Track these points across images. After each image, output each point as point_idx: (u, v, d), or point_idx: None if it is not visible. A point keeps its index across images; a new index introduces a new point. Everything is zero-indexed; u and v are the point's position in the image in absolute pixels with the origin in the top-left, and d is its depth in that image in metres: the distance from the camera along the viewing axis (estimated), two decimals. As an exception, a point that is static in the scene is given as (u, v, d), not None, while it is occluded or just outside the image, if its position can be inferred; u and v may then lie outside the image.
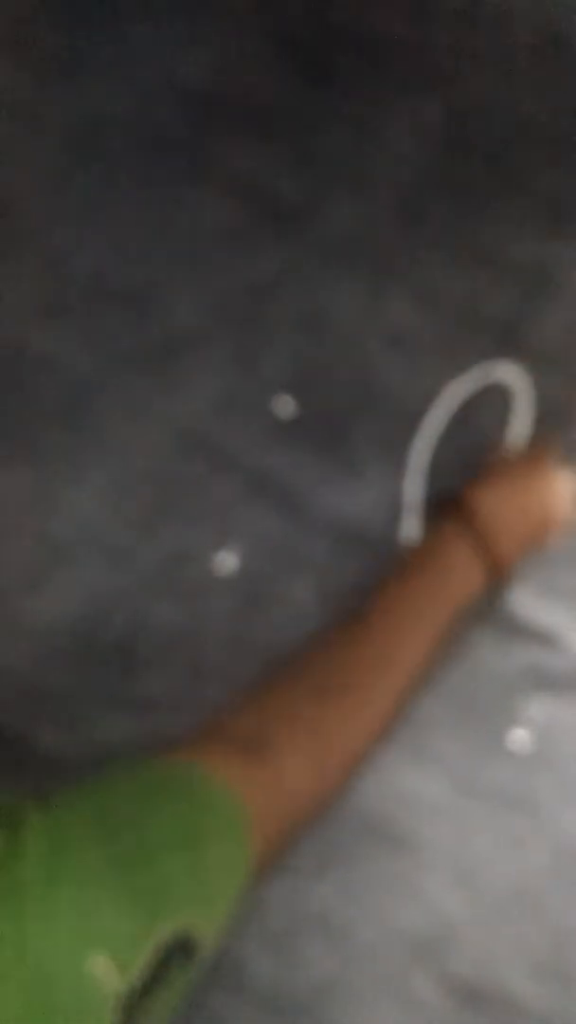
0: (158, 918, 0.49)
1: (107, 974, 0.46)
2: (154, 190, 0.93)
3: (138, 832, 0.51)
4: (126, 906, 0.48)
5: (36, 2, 0.96)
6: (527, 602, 0.84)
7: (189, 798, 0.55)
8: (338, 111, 0.94)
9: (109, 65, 0.96)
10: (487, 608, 0.83)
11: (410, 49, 0.96)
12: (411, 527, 0.86)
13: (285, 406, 0.89)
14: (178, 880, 0.51)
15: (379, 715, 0.69)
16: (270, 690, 0.67)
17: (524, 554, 0.80)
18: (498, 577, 0.77)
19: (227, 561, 0.86)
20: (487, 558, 0.76)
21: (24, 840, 0.48)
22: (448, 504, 0.80)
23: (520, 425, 0.87)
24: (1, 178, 0.93)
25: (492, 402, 0.88)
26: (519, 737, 0.83)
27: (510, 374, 0.88)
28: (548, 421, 0.87)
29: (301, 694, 0.67)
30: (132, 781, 0.55)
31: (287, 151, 0.93)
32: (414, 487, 0.87)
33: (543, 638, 0.85)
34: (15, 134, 0.94)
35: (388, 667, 0.70)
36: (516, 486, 0.80)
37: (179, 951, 0.49)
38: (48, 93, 0.95)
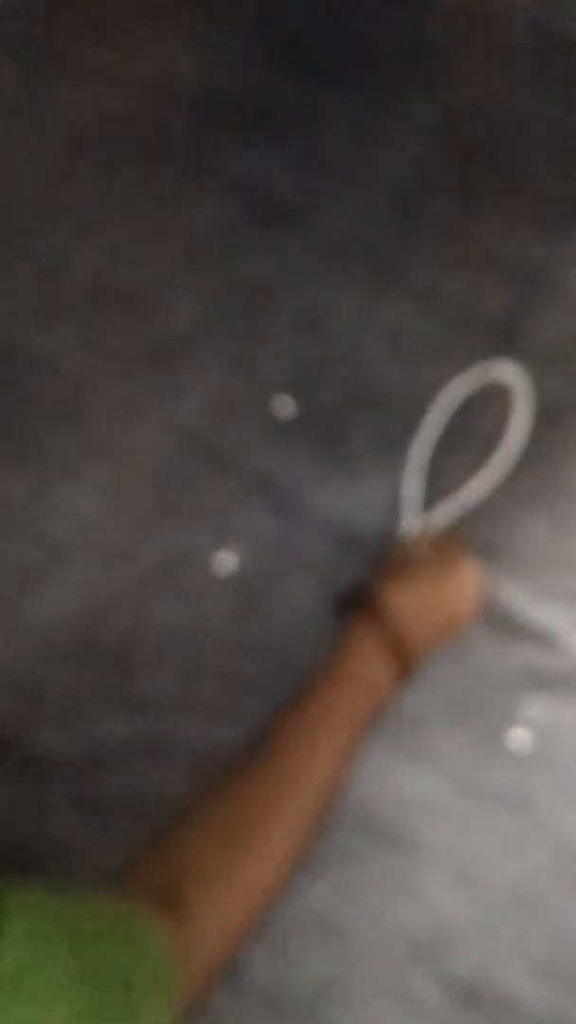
0: None
1: None
2: (153, 190, 0.93)
3: (104, 961, 0.52)
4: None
5: (36, 2, 0.96)
6: (527, 602, 0.84)
7: (130, 942, 0.55)
8: (338, 111, 0.94)
9: (109, 65, 0.96)
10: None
11: (410, 49, 0.96)
12: (410, 526, 0.86)
13: (284, 406, 0.89)
14: (122, 1019, 0.51)
15: (292, 844, 0.67)
16: (177, 841, 0.65)
17: (433, 651, 0.78)
18: (406, 677, 0.75)
19: (226, 561, 0.86)
20: (397, 659, 0.74)
21: (3, 943, 0.48)
22: (356, 601, 0.78)
23: (519, 425, 0.87)
24: (1, 178, 0.93)
25: (491, 402, 0.88)
26: (519, 737, 0.83)
27: (509, 373, 0.88)
28: (547, 420, 0.87)
29: (209, 845, 0.65)
30: (90, 908, 0.55)
31: (287, 151, 0.93)
32: (413, 487, 0.87)
33: (543, 638, 0.85)
34: (15, 134, 0.94)
35: (296, 793, 0.68)
36: (425, 580, 0.78)
37: None
38: (48, 93, 0.95)
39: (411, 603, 0.76)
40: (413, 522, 0.86)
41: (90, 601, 0.86)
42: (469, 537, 0.85)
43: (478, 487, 0.86)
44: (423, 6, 0.96)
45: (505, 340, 0.89)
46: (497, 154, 0.93)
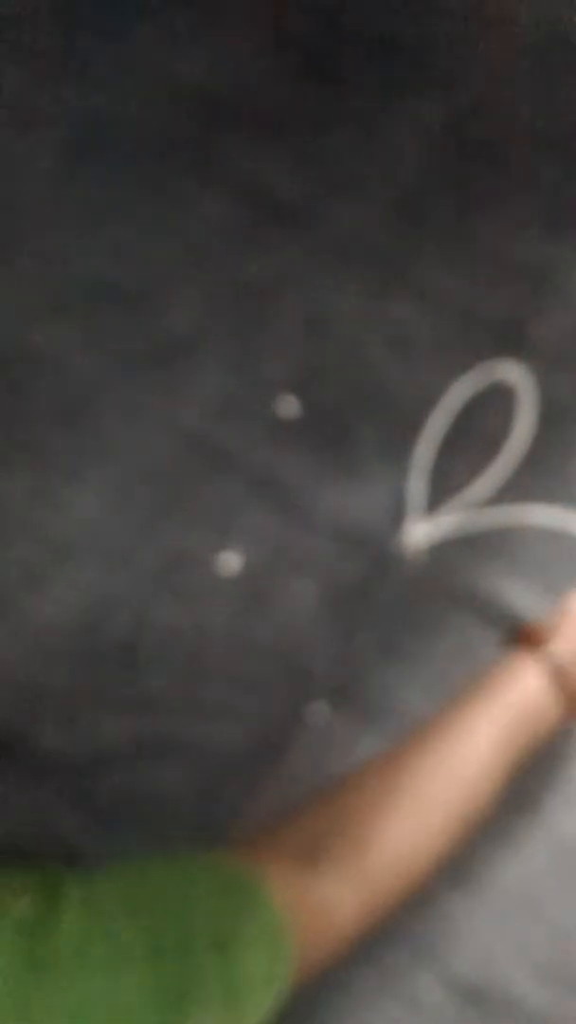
0: (185, 1015, 0.48)
1: None
2: (155, 190, 0.93)
3: (178, 926, 0.50)
4: (153, 998, 0.47)
5: (36, 2, 0.96)
6: (527, 602, 0.84)
7: (234, 902, 0.54)
8: (339, 111, 0.94)
9: (109, 65, 0.96)
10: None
11: (410, 49, 0.96)
12: (414, 528, 0.86)
13: (288, 406, 0.89)
14: (209, 981, 0.50)
15: (434, 835, 0.66)
16: (331, 799, 0.65)
17: None
18: (571, 718, 0.74)
19: (230, 562, 0.86)
20: (565, 697, 0.73)
21: (61, 913, 0.48)
22: (524, 636, 0.77)
23: (523, 424, 0.87)
24: (1, 178, 0.93)
25: (495, 402, 0.88)
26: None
27: (513, 373, 0.88)
28: (551, 420, 0.87)
29: (361, 809, 0.64)
30: (181, 873, 0.54)
31: (288, 151, 0.93)
32: (417, 487, 0.87)
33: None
34: (15, 134, 0.94)
35: (454, 788, 0.67)
36: None
37: None
38: (48, 93, 0.95)
39: None
40: (417, 522, 0.86)
41: (92, 601, 0.86)
42: (465, 546, 0.85)
43: (482, 487, 0.86)
44: (425, 6, 0.96)
45: (508, 340, 0.89)
46: (499, 154, 0.93)
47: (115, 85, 0.95)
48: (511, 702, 0.72)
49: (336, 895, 0.60)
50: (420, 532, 0.86)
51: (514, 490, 0.86)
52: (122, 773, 0.84)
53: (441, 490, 0.87)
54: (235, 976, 0.50)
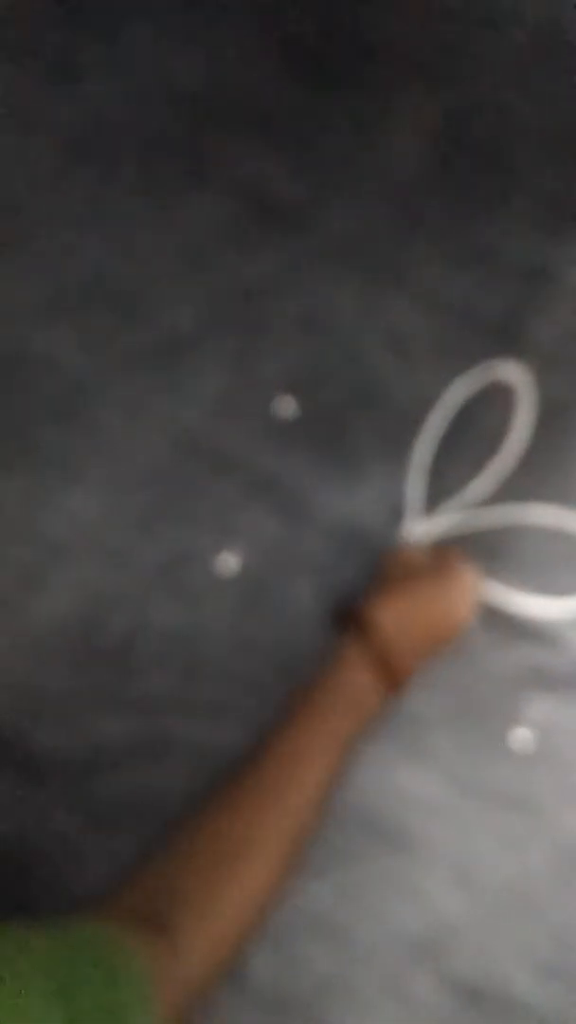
0: None
1: None
2: (153, 191, 0.93)
3: (72, 991, 0.51)
4: None
5: (36, 2, 0.96)
6: (527, 602, 0.84)
7: (115, 970, 0.55)
8: (338, 111, 0.94)
9: (109, 65, 0.96)
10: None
11: (410, 49, 0.96)
12: (413, 527, 0.86)
13: (286, 407, 0.89)
14: None
15: (279, 862, 0.67)
16: (162, 866, 0.66)
17: (425, 663, 0.77)
18: (396, 692, 0.75)
19: (227, 562, 0.86)
20: (384, 676, 0.74)
21: None
22: (347, 616, 0.77)
23: (522, 424, 0.87)
24: (1, 178, 0.93)
25: (494, 401, 0.88)
26: (521, 736, 0.83)
27: (511, 373, 0.88)
28: (550, 420, 0.87)
29: (193, 868, 0.65)
30: (72, 940, 0.55)
31: (287, 151, 0.93)
32: (416, 488, 0.87)
33: (543, 638, 0.85)
34: (15, 134, 0.94)
35: (281, 811, 0.68)
36: (413, 593, 0.77)
37: None
38: (48, 93, 0.95)
39: (397, 618, 0.75)
40: (416, 522, 0.86)
41: (90, 602, 0.86)
42: (463, 545, 0.85)
43: (481, 487, 0.86)
44: (424, 6, 0.96)
45: (507, 340, 0.89)
46: (498, 154, 0.93)
47: (115, 85, 0.95)
48: (338, 708, 0.72)
49: (187, 946, 0.61)
50: (419, 531, 0.86)
51: (513, 490, 0.86)
52: (121, 773, 0.84)
53: (440, 490, 0.87)
54: None
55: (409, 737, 0.83)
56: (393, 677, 0.74)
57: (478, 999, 0.80)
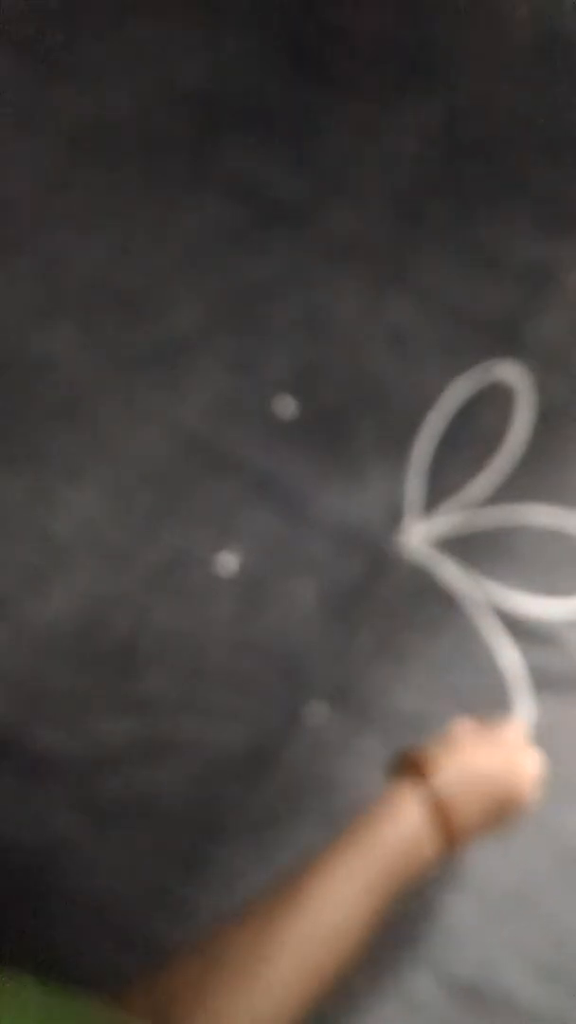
0: None
1: None
2: (154, 191, 0.93)
3: None
4: None
5: (36, 2, 0.96)
6: (526, 602, 0.84)
7: None
8: (338, 111, 0.94)
9: (109, 66, 0.96)
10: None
11: (410, 49, 0.96)
12: (412, 527, 0.86)
13: (286, 407, 0.89)
14: None
15: (302, 989, 0.63)
16: (181, 967, 0.63)
17: (480, 832, 0.73)
18: (451, 852, 0.71)
19: (228, 562, 0.86)
20: (444, 831, 0.70)
21: None
22: (408, 764, 0.73)
23: (521, 424, 0.87)
24: (1, 178, 0.93)
25: (493, 401, 0.88)
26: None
27: (511, 373, 0.88)
28: (550, 420, 0.87)
29: (212, 973, 0.62)
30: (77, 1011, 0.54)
31: (287, 151, 0.93)
32: (415, 487, 0.87)
33: (540, 638, 0.85)
34: (15, 134, 0.94)
35: (315, 939, 0.64)
36: (483, 761, 0.73)
37: None
38: (48, 93, 0.95)
39: (461, 776, 0.72)
40: (416, 522, 0.86)
41: (91, 601, 0.86)
42: (464, 545, 0.85)
43: (480, 487, 0.86)
44: (423, 6, 0.96)
45: (506, 340, 0.89)
46: (497, 154, 0.93)
47: (115, 85, 0.95)
48: (389, 844, 0.68)
49: None
50: (418, 532, 0.86)
51: (512, 490, 0.86)
52: (122, 773, 0.84)
53: (439, 490, 0.87)
54: None
55: (409, 738, 0.83)
56: (451, 834, 0.70)
57: (477, 999, 0.80)
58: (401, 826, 0.69)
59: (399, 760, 0.74)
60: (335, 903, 0.66)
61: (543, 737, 0.83)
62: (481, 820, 0.72)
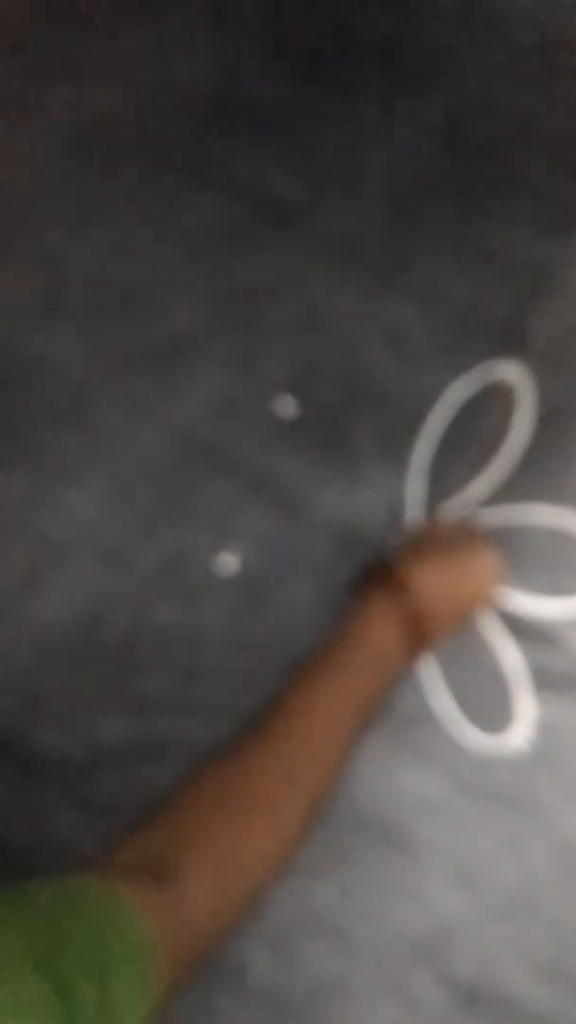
0: None
1: None
2: (153, 190, 0.93)
3: (55, 956, 0.50)
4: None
5: (36, 2, 0.96)
6: (527, 602, 0.84)
7: (101, 926, 0.53)
8: (338, 111, 0.94)
9: (109, 65, 0.96)
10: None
11: (410, 49, 0.96)
12: (413, 528, 0.86)
13: (286, 407, 0.89)
14: (87, 1008, 0.49)
15: (293, 825, 0.66)
16: (178, 807, 0.64)
17: (449, 630, 0.78)
18: (422, 651, 0.75)
19: (227, 562, 0.86)
20: (415, 632, 0.73)
21: None
22: (376, 573, 0.77)
23: (522, 424, 0.87)
24: (1, 178, 0.93)
25: (494, 401, 0.88)
26: (522, 733, 0.83)
27: (512, 373, 0.88)
28: (549, 420, 0.87)
29: (210, 813, 0.63)
30: (53, 902, 0.53)
31: (287, 151, 0.93)
32: (416, 488, 0.87)
33: (543, 638, 0.85)
34: (15, 134, 0.94)
35: (304, 760, 0.67)
36: (447, 563, 0.78)
37: None
38: (48, 93, 0.95)
39: (433, 579, 0.76)
40: (415, 523, 0.86)
41: (90, 602, 0.86)
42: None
43: (481, 487, 0.86)
44: (423, 6, 0.96)
45: (507, 340, 0.89)
46: (498, 154, 0.93)
47: (115, 85, 0.95)
48: (371, 661, 0.72)
49: (194, 893, 0.59)
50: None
51: (513, 490, 0.86)
52: (121, 773, 0.84)
53: (440, 490, 0.87)
54: (111, 1003, 0.50)
55: (409, 738, 0.83)
56: (423, 634, 0.74)
57: (477, 999, 0.80)
58: (377, 635, 0.72)
59: (370, 571, 0.76)
60: (323, 725, 0.68)
61: (544, 737, 0.83)
62: (450, 619, 0.77)
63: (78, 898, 0.54)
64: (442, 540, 0.81)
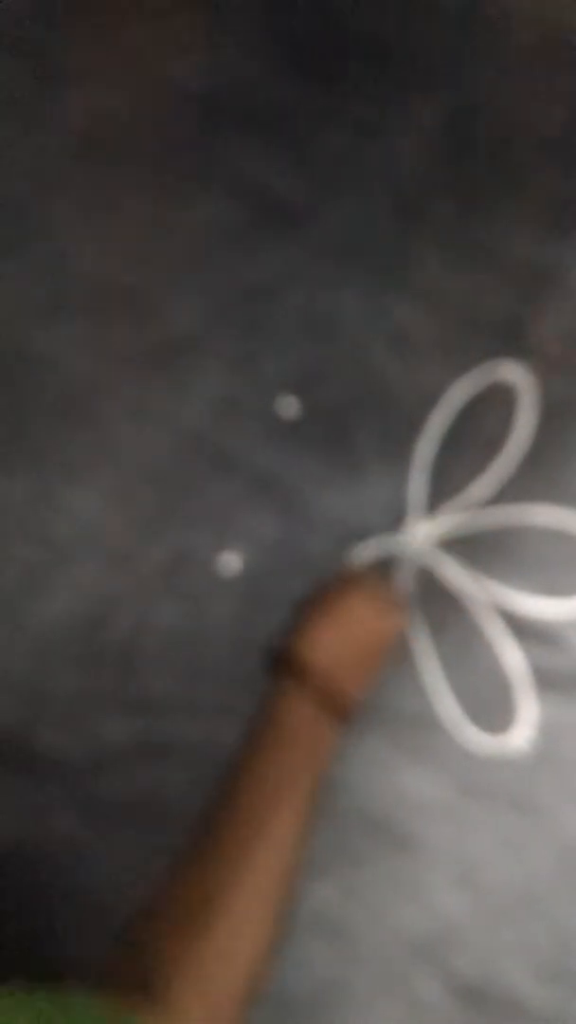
0: None
1: None
2: (155, 191, 0.93)
3: None
4: None
5: (37, 2, 0.96)
6: (528, 602, 0.84)
7: None
8: (338, 111, 0.94)
9: (110, 65, 0.95)
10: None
11: (410, 49, 0.96)
12: (414, 528, 0.86)
13: (288, 407, 0.88)
14: None
15: (261, 910, 0.66)
16: (145, 931, 0.64)
17: (369, 686, 0.76)
18: (348, 720, 0.74)
19: (229, 562, 0.86)
20: (334, 710, 0.72)
21: None
22: (278, 659, 0.75)
23: (524, 425, 0.87)
24: (1, 178, 0.93)
25: (495, 402, 0.88)
26: (523, 735, 0.83)
27: (513, 373, 0.88)
28: (551, 420, 0.87)
29: (175, 928, 0.64)
30: (65, 1011, 0.54)
31: (287, 151, 0.93)
32: (418, 487, 0.87)
33: (545, 639, 0.85)
34: (15, 134, 0.94)
35: (254, 862, 0.66)
36: (335, 621, 0.76)
37: None
38: (48, 93, 0.95)
39: (328, 647, 0.74)
40: (418, 522, 0.86)
41: (92, 602, 0.86)
42: (464, 545, 0.85)
43: (482, 487, 0.86)
44: (423, 6, 0.95)
45: (509, 340, 0.89)
46: (499, 154, 0.93)
47: (115, 85, 0.95)
48: (299, 747, 0.71)
49: (185, 1010, 0.60)
50: (421, 532, 0.86)
51: (514, 490, 0.86)
52: (122, 774, 0.84)
53: (441, 490, 0.87)
54: None
55: (410, 738, 0.83)
56: (341, 708, 0.73)
57: (479, 1000, 0.80)
58: (297, 729, 0.71)
59: (277, 656, 0.76)
60: (266, 831, 0.67)
61: (546, 737, 0.83)
62: (363, 676, 0.75)
63: (90, 1005, 0.55)
64: (324, 599, 0.78)
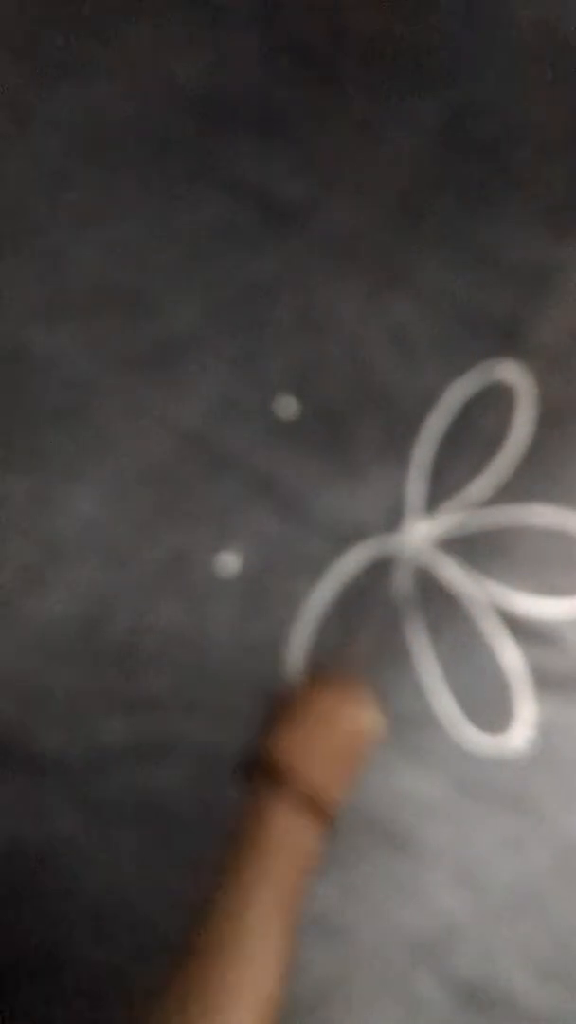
0: None
1: None
2: (154, 190, 0.93)
3: None
4: None
5: (36, 2, 0.96)
6: (527, 602, 0.84)
7: None
8: (338, 111, 0.94)
9: (109, 65, 0.95)
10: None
11: (410, 49, 0.96)
12: (413, 528, 0.86)
13: (286, 407, 0.89)
14: None
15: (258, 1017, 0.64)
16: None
17: (349, 788, 0.74)
18: (331, 823, 0.71)
19: (228, 562, 0.86)
20: (317, 814, 0.70)
21: None
22: (254, 768, 0.73)
23: (522, 424, 0.87)
24: (1, 178, 0.93)
25: (495, 402, 0.88)
26: (523, 735, 0.83)
27: (512, 373, 0.88)
28: (551, 420, 0.87)
29: None
30: None
31: (287, 151, 0.93)
32: (416, 487, 0.87)
33: (543, 638, 0.85)
34: (15, 134, 0.94)
35: (257, 981, 0.64)
36: (316, 723, 0.75)
37: None
38: (48, 93, 0.95)
39: (310, 749, 0.73)
40: (417, 522, 0.86)
41: (91, 602, 0.86)
42: (463, 546, 0.85)
43: (482, 487, 0.86)
44: (423, 6, 0.95)
45: (508, 340, 0.89)
46: (499, 154, 0.93)
47: (115, 85, 0.95)
48: (286, 858, 0.69)
49: None
50: (419, 532, 0.86)
51: (514, 490, 0.86)
52: (122, 773, 0.84)
53: (440, 490, 0.87)
54: None
55: (409, 738, 0.83)
56: (325, 812, 0.71)
57: (478, 999, 0.80)
58: (283, 840, 0.69)
59: (252, 762, 0.73)
60: (263, 945, 0.65)
61: (545, 737, 0.83)
62: (343, 778, 0.74)
63: None
64: (294, 703, 0.77)
